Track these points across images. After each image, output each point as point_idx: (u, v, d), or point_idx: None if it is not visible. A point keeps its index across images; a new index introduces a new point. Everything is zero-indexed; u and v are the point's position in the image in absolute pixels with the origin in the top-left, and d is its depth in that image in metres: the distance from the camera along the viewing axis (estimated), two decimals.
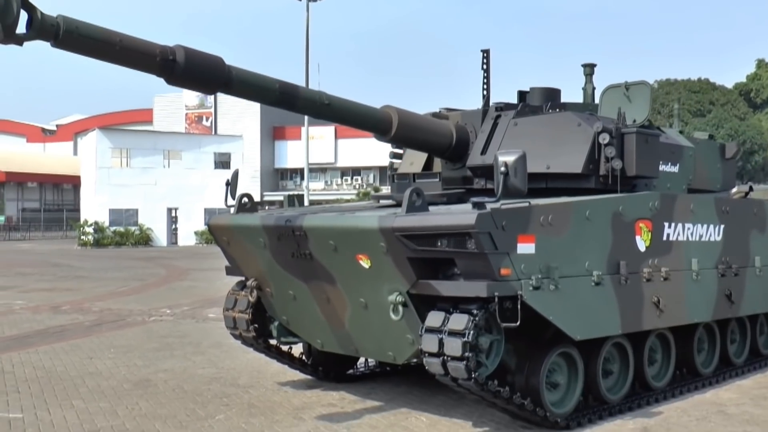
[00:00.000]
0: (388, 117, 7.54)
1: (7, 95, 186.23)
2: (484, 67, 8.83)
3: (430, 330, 6.27)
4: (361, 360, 9.32)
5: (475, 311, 6.15)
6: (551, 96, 9.06)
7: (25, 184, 74.86)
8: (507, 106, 8.41)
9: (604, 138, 7.63)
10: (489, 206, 6.10)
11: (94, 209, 46.87)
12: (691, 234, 8.29)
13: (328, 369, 8.87)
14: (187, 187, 47.78)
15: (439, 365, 6.24)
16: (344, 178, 71.17)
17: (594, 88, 9.87)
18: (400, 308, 6.51)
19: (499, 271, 6.10)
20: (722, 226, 8.77)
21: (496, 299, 6.09)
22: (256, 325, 8.33)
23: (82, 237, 46.38)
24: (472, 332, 6.06)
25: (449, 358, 6.14)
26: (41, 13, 5.40)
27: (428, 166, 8.77)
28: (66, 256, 37.28)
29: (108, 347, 11.43)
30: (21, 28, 5.38)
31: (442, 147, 8.07)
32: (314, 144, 58.09)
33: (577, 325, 6.84)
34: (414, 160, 8.92)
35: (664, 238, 7.89)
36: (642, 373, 8.04)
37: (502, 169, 6.09)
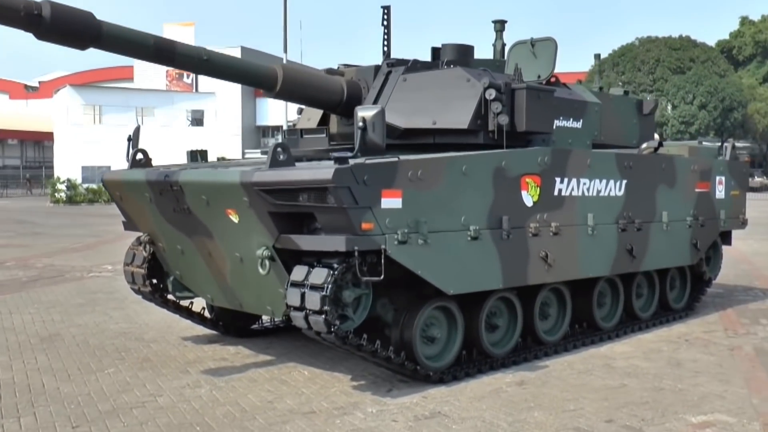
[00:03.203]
0: (272, 73, 7.49)
1: None
2: (385, 23, 8.75)
3: (294, 284, 6.28)
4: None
5: (335, 265, 6.16)
6: (464, 52, 8.96)
7: (6, 141, 74.45)
8: (398, 62, 8.33)
9: (491, 93, 7.54)
10: (352, 161, 6.09)
11: (67, 166, 46.77)
12: (587, 189, 8.30)
13: (230, 324, 8.91)
14: (160, 144, 47.49)
15: (302, 319, 6.26)
16: None
17: (504, 45, 9.82)
18: (267, 262, 6.51)
19: (360, 226, 6.09)
20: (624, 182, 8.78)
21: (356, 253, 6.10)
22: (154, 280, 8.38)
23: (55, 194, 46.33)
24: (330, 286, 6.06)
25: (310, 312, 6.16)
26: None
27: (324, 121, 8.72)
28: (34, 213, 37.22)
29: (33, 303, 11.45)
30: None
31: (332, 103, 8.01)
32: None
33: (450, 280, 6.84)
34: (311, 116, 8.86)
35: (555, 193, 7.89)
36: (533, 327, 8.10)
37: (360, 124, 6.08)
